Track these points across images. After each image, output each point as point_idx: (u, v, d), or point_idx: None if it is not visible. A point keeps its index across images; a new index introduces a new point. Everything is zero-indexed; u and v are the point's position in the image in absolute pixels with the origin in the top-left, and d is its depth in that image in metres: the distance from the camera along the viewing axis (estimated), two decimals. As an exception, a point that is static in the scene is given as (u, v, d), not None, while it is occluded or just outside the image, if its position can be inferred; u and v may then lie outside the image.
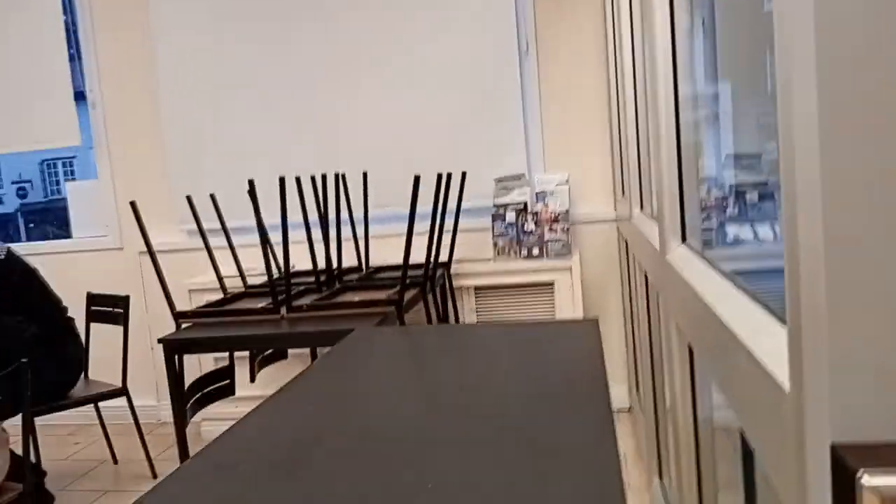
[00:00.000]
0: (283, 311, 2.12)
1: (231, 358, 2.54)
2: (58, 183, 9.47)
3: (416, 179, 2.16)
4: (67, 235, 3.78)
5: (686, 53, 1.48)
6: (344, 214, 2.81)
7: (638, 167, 2.14)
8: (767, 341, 0.74)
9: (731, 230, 1.53)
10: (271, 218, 2.27)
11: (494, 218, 3.03)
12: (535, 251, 2.97)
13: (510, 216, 3.01)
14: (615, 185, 3.02)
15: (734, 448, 1.18)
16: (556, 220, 2.97)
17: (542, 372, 1.34)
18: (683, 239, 1.45)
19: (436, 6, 3.09)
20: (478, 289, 2.94)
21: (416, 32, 3.12)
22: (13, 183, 9.55)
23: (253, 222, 2.17)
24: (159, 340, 2.08)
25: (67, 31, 3.47)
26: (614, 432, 1.04)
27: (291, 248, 2.91)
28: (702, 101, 1.57)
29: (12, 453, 1.94)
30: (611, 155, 3.07)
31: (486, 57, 3.07)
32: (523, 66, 3.08)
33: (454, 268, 2.92)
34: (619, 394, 3.11)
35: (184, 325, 2.20)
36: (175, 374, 2.00)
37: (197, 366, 3.07)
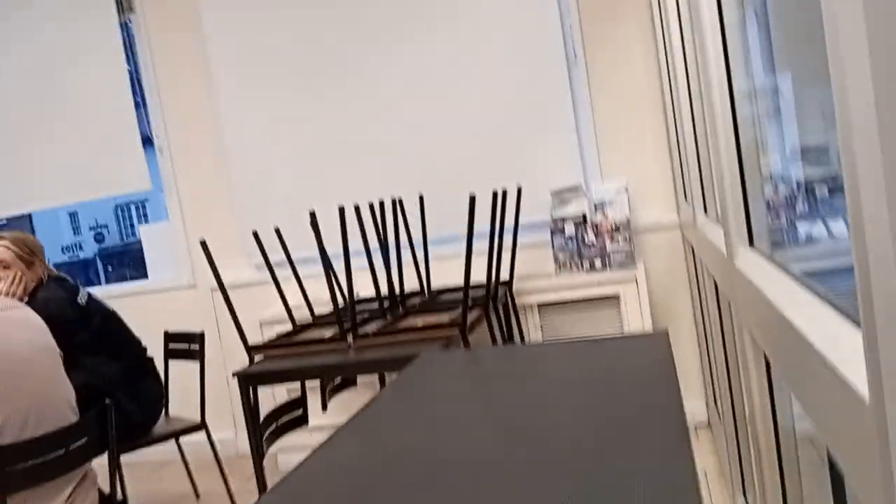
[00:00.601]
0: (350, 339, 2.15)
1: (303, 388, 2.58)
2: (132, 226, 9.92)
3: (472, 200, 2.16)
4: (144, 276, 3.94)
5: (738, 47, 1.44)
6: (403, 239, 2.84)
7: (699, 170, 2.08)
8: (844, 347, 0.70)
9: (803, 228, 1.47)
10: (337, 246, 2.31)
11: (553, 232, 3.00)
12: (598, 263, 2.93)
13: (569, 229, 2.98)
14: (677, 190, 2.95)
15: (821, 460, 1.13)
16: (616, 229, 2.92)
17: (613, 390, 1.31)
18: (751, 242, 1.40)
19: (481, 21, 3.11)
20: (541, 305, 2.91)
21: (463, 49, 3.14)
22: (91, 229, 10.05)
23: (323, 251, 2.22)
24: (234, 374, 2.13)
25: (132, 80, 3.65)
26: (690, 450, 1.00)
27: (355, 274, 2.96)
28: (761, 95, 1.51)
29: (100, 492, 2.02)
30: (670, 159, 3.00)
31: (535, 68, 3.07)
32: (572, 75, 3.06)
33: (516, 285, 2.90)
34: (697, 408, 3.01)
35: (256, 358, 2.26)
36: (251, 408, 2.05)
37: (271, 397, 3.14)
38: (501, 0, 3.08)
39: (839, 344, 0.72)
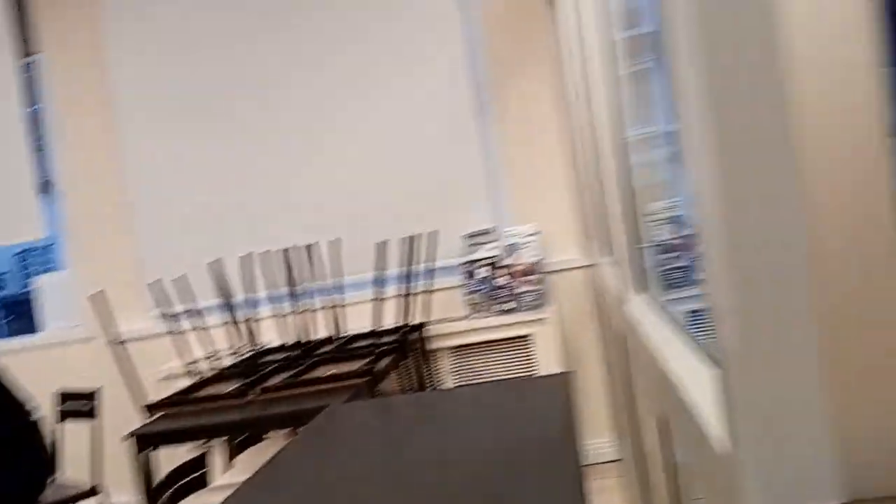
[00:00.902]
0: (252, 393, 2.08)
1: (206, 444, 2.47)
2: (29, 275, 9.42)
3: (380, 247, 2.15)
4: (41, 328, 3.72)
5: (635, 97, 1.49)
6: (314, 285, 2.78)
7: (600, 215, 2.15)
8: (710, 397, 0.72)
9: (699, 268, 1.52)
10: (248, 293, 2.24)
11: (467, 275, 3.02)
12: (510, 305, 2.96)
13: (482, 272, 3.00)
14: (585, 233, 3.03)
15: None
16: (528, 272, 2.96)
17: (514, 435, 1.31)
18: (642, 287, 1.44)
19: (393, 69, 3.14)
20: (454, 348, 2.90)
21: (375, 96, 3.16)
22: (-12, 277, 9.50)
23: (228, 300, 2.15)
24: (128, 435, 2.02)
25: (36, 122, 3.49)
26: (581, 490, 1.01)
27: (265, 322, 2.87)
28: (662, 140, 1.57)
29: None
30: (578, 202, 3.09)
31: (446, 117, 3.11)
32: (483, 123, 3.12)
33: (429, 329, 2.89)
34: (607, 445, 3.05)
35: (154, 416, 2.15)
36: (144, 471, 1.94)
37: (172, 453, 2.98)
38: (413, 50, 3.13)
39: (706, 394, 0.74)
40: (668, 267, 1.49)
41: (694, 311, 1.15)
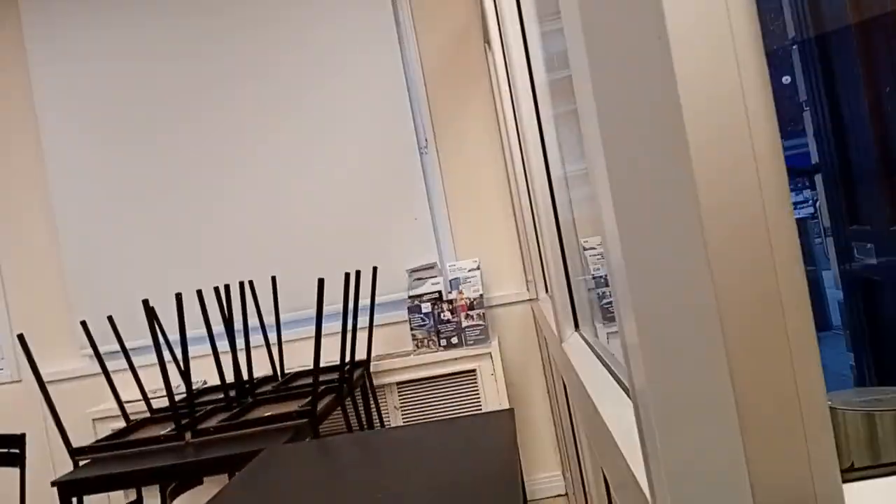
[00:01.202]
0: (189, 436, 2.01)
1: (139, 492, 2.37)
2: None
3: (321, 283, 2.13)
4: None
5: (569, 135, 1.52)
6: (254, 323, 2.73)
7: (538, 252, 2.18)
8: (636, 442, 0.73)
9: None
10: (183, 332, 2.17)
11: (411, 310, 3.01)
12: (455, 340, 2.95)
13: (426, 307, 3.00)
14: (525, 268, 3.06)
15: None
16: (471, 306, 2.97)
17: (455, 475, 1.30)
18: (579, 323, 1.46)
19: (335, 106, 3.14)
20: (400, 384, 2.88)
21: (317, 133, 3.15)
22: None
23: (163, 340, 2.08)
24: (53, 483, 1.92)
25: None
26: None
27: (203, 362, 2.80)
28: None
29: None
30: (518, 238, 3.13)
31: (388, 154, 3.13)
32: (424, 160, 3.15)
33: (374, 365, 2.86)
34: (554, 479, 3.05)
35: (83, 462, 2.05)
36: (71, 521, 1.84)
37: (107, 498, 2.85)
38: (355, 89, 3.14)
39: (634, 438, 0.75)
40: (608, 300, 1.51)
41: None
